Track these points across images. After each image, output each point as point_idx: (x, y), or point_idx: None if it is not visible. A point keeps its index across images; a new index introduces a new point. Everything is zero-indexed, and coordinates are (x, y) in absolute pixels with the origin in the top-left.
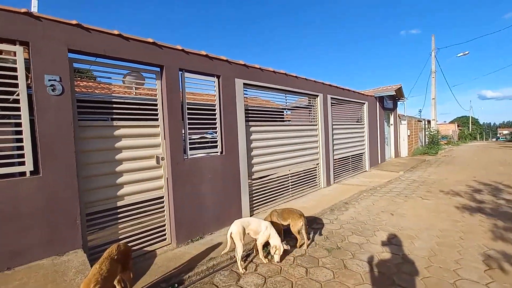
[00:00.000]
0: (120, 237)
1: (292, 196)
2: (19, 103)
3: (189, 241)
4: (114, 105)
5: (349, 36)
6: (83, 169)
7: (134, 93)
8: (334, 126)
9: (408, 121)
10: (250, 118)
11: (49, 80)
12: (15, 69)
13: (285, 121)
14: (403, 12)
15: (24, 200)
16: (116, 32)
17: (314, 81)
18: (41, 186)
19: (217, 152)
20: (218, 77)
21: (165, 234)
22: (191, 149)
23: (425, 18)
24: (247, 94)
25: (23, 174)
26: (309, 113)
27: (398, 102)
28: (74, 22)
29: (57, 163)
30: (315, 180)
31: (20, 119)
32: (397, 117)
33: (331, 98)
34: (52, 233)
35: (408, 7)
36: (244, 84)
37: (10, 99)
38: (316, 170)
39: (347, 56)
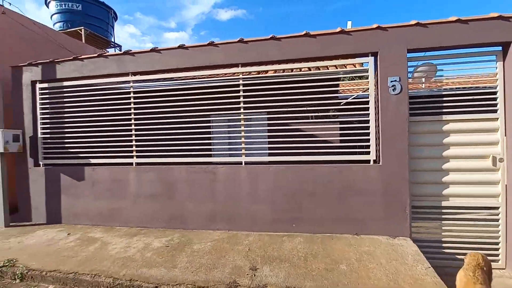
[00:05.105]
0: (442, 238)
1: None
2: (367, 104)
3: None
4: (444, 99)
5: None
6: (412, 162)
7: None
8: None
9: None
10: None
11: (391, 82)
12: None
13: None
14: None
15: (369, 181)
16: (453, 18)
17: None
18: (380, 173)
19: None
20: None
21: (497, 255)
22: None
23: None
24: None
25: (367, 162)
26: None
27: None
28: (413, 22)
29: (393, 154)
30: None
31: (368, 117)
32: None
33: None
34: (386, 214)
35: None
36: None
37: (342, 103)
38: None
39: None
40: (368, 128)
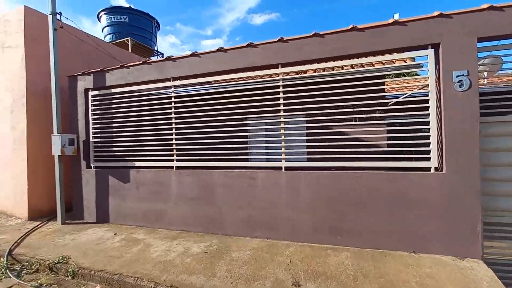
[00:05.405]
0: None
1: None
2: (424, 103)
3: None
4: None
5: None
6: (484, 170)
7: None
8: None
9: None
10: None
11: (457, 76)
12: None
13: None
14: None
15: (429, 192)
16: None
17: None
18: (443, 182)
19: None
20: None
21: None
22: None
23: None
24: None
25: (425, 169)
26: None
27: None
28: (485, 6)
29: (460, 161)
30: None
31: (429, 117)
32: None
33: None
34: (451, 231)
35: None
36: None
37: (390, 102)
38: None
39: None
40: (427, 130)
